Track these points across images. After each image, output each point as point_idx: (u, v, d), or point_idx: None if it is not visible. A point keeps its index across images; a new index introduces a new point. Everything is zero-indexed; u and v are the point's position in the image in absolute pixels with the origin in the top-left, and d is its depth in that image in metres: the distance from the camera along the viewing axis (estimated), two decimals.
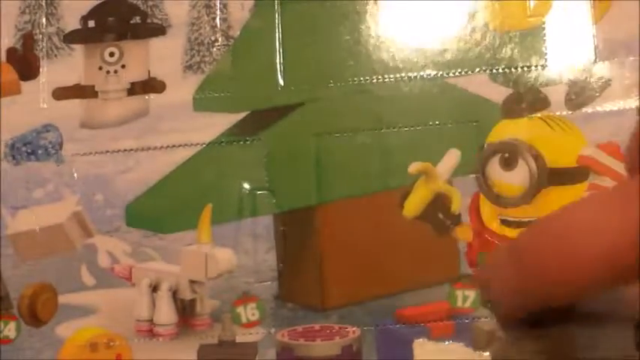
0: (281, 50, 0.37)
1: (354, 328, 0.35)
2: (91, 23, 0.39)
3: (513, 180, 0.34)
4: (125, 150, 0.36)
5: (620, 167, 0.33)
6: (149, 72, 0.38)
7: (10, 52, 0.39)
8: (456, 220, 0.35)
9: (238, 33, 0.37)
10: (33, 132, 0.38)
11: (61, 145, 0.38)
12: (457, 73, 0.35)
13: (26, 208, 0.38)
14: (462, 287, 0.34)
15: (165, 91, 0.37)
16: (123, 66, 0.38)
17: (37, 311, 0.38)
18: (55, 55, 0.39)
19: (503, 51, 0.35)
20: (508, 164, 0.35)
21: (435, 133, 0.35)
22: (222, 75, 0.37)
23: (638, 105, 0.34)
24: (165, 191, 0.36)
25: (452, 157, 0.35)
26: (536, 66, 0.35)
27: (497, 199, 0.34)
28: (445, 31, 0.36)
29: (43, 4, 0.39)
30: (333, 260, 0.36)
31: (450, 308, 0.34)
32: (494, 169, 0.35)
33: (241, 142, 0.36)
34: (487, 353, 0.34)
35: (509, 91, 0.35)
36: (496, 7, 0.36)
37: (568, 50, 0.35)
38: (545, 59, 0.35)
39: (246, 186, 0.36)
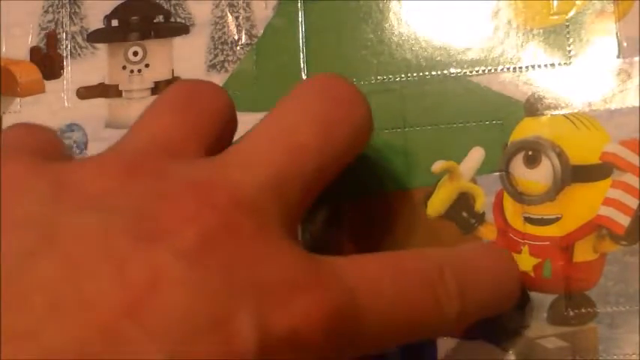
0: (304, 49, 0.37)
1: None
2: (115, 22, 0.39)
3: (537, 177, 0.34)
4: None
5: None
6: (173, 71, 0.38)
7: (34, 51, 0.39)
8: (481, 218, 0.35)
9: (262, 32, 0.38)
10: (57, 131, 0.38)
11: (86, 144, 0.38)
12: (481, 72, 0.36)
13: None
14: None
15: None
16: (147, 65, 0.38)
17: None
18: (79, 55, 0.39)
19: (527, 49, 0.35)
20: (532, 162, 0.35)
21: (458, 132, 0.35)
22: (246, 74, 0.37)
23: None
24: None
25: (475, 156, 0.35)
26: (559, 64, 0.35)
27: (521, 197, 0.34)
28: (468, 29, 0.36)
29: (67, 3, 0.39)
30: None
31: None
32: (518, 166, 0.35)
33: None
34: (510, 351, 0.34)
35: (533, 89, 0.35)
36: (519, 5, 0.36)
37: (591, 48, 0.35)
38: (569, 57, 0.35)
39: None
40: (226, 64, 0.38)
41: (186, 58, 0.38)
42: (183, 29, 0.38)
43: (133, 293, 0.23)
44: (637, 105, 0.34)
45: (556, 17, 0.35)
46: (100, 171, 0.26)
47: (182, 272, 0.24)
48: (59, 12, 0.39)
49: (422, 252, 0.31)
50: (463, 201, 0.35)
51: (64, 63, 0.39)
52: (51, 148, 0.30)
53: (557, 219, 0.34)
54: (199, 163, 0.28)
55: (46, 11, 0.39)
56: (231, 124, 0.31)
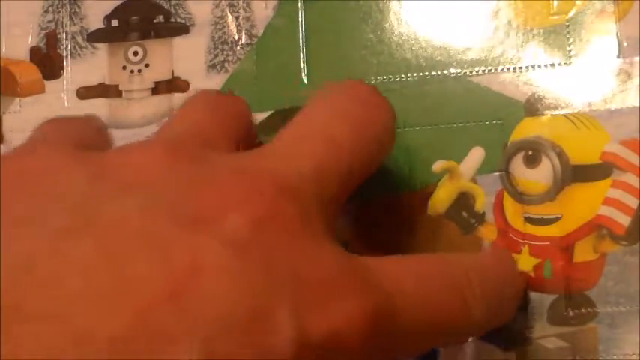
0: (304, 49, 0.37)
1: None
2: (115, 22, 0.39)
3: (537, 177, 0.34)
4: None
5: None
6: (173, 71, 0.38)
7: (34, 51, 0.39)
8: (481, 218, 0.35)
9: (262, 32, 0.38)
10: None
11: None
12: (481, 72, 0.36)
13: None
14: None
15: (189, 90, 0.38)
16: (147, 65, 0.38)
17: None
18: (79, 55, 0.39)
19: (527, 49, 0.35)
20: (532, 162, 0.35)
21: (458, 132, 0.35)
22: (246, 74, 0.37)
23: None
24: None
25: (476, 156, 0.35)
26: (559, 64, 0.35)
27: (521, 197, 0.34)
28: (468, 29, 0.36)
29: (67, 3, 0.39)
30: None
31: None
32: (518, 166, 0.35)
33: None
34: (511, 351, 0.34)
35: (533, 89, 0.35)
36: (519, 5, 0.36)
37: (591, 48, 0.35)
38: (569, 57, 0.35)
39: None
40: (226, 64, 0.38)
41: (186, 58, 0.38)
42: (183, 29, 0.38)
43: (174, 278, 0.22)
44: (637, 105, 0.34)
45: (556, 17, 0.35)
46: (142, 156, 0.26)
47: (227, 260, 0.23)
48: (59, 12, 0.39)
49: (446, 256, 0.31)
50: (463, 201, 0.35)
51: (64, 63, 0.39)
52: (93, 138, 0.29)
53: (557, 219, 0.34)
54: (239, 154, 0.28)
55: (46, 11, 0.39)
56: (253, 130, 0.32)
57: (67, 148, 0.27)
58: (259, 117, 0.36)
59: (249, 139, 0.31)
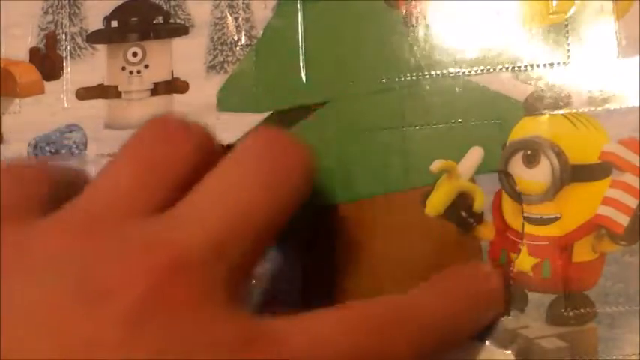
0: (303, 49, 0.37)
1: None
2: (114, 23, 0.39)
3: (536, 177, 0.34)
4: None
5: None
6: (172, 72, 0.38)
7: (34, 52, 0.39)
8: (479, 218, 0.35)
9: (261, 32, 0.38)
10: (57, 132, 0.38)
11: (85, 145, 0.38)
12: (480, 71, 0.36)
13: None
14: None
15: (189, 91, 0.38)
16: (146, 66, 0.38)
17: None
18: (79, 55, 0.39)
19: (526, 48, 0.35)
20: (530, 161, 0.35)
21: (457, 132, 0.35)
22: (246, 75, 0.37)
23: None
24: None
25: (474, 156, 0.35)
26: (558, 63, 0.35)
27: (520, 197, 0.34)
28: (468, 28, 0.36)
29: (66, 4, 0.39)
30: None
31: None
32: (517, 166, 0.35)
33: None
34: (509, 351, 0.34)
35: (532, 88, 0.35)
36: (519, 5, 0.36)
37: (590, 47, 0.35)
38: (568, 56, 0.35)
39: None
40: (226, 65, 0.38)
41: (186, 59, 0.38)
42: (182, 30, 0.38)
43: (69, 352, 0.24)
44: (636, 104, 0.34)
45: (555, 16, 0.35)
46: (58, 232, 0.27)
47: (120, 334, 0.24)
48: (59, 13, 0.39)
49: (373, 300, 0.30)
50: (462, 201, 0.35)
51: (64, 64, 0.39)
52: (38, 198, 0.30)
53: (556, 219, 0.34)
54: (152, 221, 0.27)
55: (46, 12, 0.39)
56: (207, 158, 0.30)
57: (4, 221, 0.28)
58: (258, 118, 0.36)
59: (202, 168, 0.30)
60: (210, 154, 0.30)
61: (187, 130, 0.30)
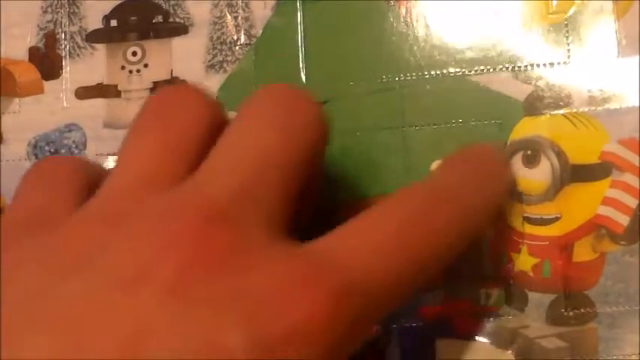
0: (303, 49, 0.37)
1: (376, 326, 0.35)
2: (114, 22, 0.39)
3: (536, 177, 0.34)
4: None
5: None
6: (171, 71, 0.38)
7: (33, 51, 0.39)
8: None
9: (260, 32, 0.38)
10: (56, 131, 0.38)
11: (84, 144, 0.38)
12: (480, 71, 0.35)
13: None
14: (484, 286, 0.34)
15: None
16: (145, 65, 0.38)
17: None
18: (78, 55, 0.39)
19: (526, 48, 0.35)
20: (531, 161, 0.35)
21: (457, 131, 0.35)
22: (245, 74, 0.37)
23: None
24: None
25: None
26: (558, 63, 0.35)
27: (520, 197, 0.34)
28: (468, 28, 0.36)
29: (66, 3, 0.39)
30: None
31: (472, 307, 0.34)
32: (517, 166, 0.35)
33: None
34: (509, 351, 0.34)
35: (532, 88, 0.35)
36: (519, 4, 0.36)
37: (590, 47, 0.35)
38: (568, 56, 0.35)
39: None
40: (225, 64, 0.38)
41: (185, 58, 0.38)
42: (182, 29, 0.38)
43: (123, 344, 0.23)
44: (636, 104, 0.34)
45: (555, 16, 0.35)
46: (86, 225, 0.27)
47: (168, 308, 0.23)
48: (58, 12, 0.39)
49: (406, 193, 0.30)
50: None
51: (63, 63, 0.39)
52: (49, 210, 0.29)
53: (557, 219, 0.34)
54: (173, 190, 0.27)
55: (45, 11, 0.39)
56: (218, 124, 0.31)
57: (23, 237, 0.27)
58: None
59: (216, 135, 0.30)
60: (220, 117, 0.30)
61: (199, 94, 0.30)
